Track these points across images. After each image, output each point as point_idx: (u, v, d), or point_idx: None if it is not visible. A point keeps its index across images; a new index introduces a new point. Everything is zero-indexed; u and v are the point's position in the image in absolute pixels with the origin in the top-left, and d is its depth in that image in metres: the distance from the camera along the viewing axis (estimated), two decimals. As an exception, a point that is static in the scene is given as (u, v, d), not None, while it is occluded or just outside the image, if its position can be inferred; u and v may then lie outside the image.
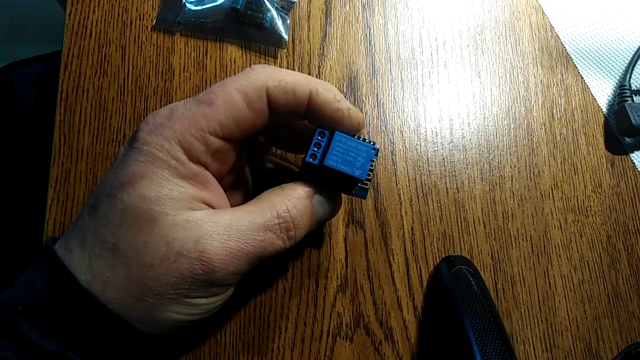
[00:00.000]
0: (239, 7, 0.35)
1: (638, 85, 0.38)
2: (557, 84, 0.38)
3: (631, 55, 0.39)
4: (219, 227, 0.20)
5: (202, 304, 0.21)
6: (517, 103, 0.37)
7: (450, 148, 0.35)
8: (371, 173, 0.24)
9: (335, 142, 0.23)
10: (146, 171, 0.20)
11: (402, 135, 0.35)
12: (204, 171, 0.22)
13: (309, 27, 0.37)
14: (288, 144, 0.29)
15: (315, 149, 0.23)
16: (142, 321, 0.20)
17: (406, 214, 0.33)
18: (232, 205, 0.24)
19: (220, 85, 0.22)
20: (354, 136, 0.23)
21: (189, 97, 0.34)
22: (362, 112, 0.35)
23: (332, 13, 0.37)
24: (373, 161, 0.24)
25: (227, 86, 0.21)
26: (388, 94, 0.36)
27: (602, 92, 0.38)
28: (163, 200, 0.20)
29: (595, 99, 0.38)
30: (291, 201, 0.23)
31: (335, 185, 0.24)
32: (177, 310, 0.20)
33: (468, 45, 0.38)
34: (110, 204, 0.20)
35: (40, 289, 0.19)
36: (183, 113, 0.21)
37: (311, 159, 0.23)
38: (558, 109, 0.37)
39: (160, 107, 0.33)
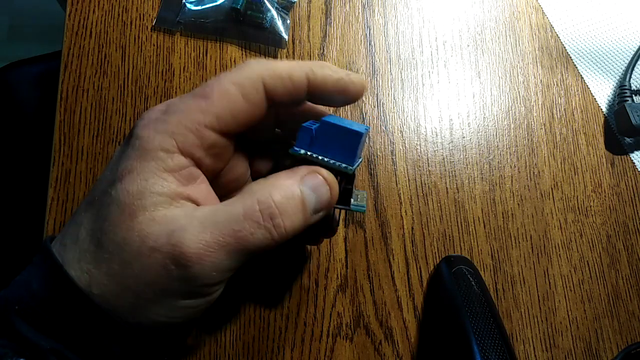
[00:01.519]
0: (239, 7, 0.35)
1: (638, 85, 0.38)
2: (557, 84, 0.38)
3: (631, 55, 0.39)
4: (194, 221, 0.20)
5: (183, 305, 0.20)
6: (517, 103, 0.37)
7: (450, 148, 0.35)
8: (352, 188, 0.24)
9: (328, 117, 0.23)
10: (134, 166, 0.20)
11: (402, 135, 0.35)
12: (192, 166, 0.21)
13: (309, 27, 0.37)
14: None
15: (308, 124, 0.23)
16: (127, 321, 0.20)
17: (406, 214, 0.33)
18: None
19: (215, 80, 0.22)
20: None
21: (189, 97, 0.34)
22: (361, 111, 0.35)
23: (332, 13, 0.37)
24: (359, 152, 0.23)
25: (223, 80, 0.22)
26: (388, 94, 0.36)
27: (602, 92, 0.38)
28: (144, 194, 0.20)
29: (595, 99, 0.38)
30: (275, 187, 0.21)
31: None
32: (157, 312, 0.20)
33: (468, 45, 0.38)
34: (102, 200, 0.20)
35: (36, 287, 0.19)
36: (179, 107, 0.21)
37: (307, 126, 0.23)
38: (558, 109, 0.37)
39: (160, 107, 0.33)
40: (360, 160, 0.24)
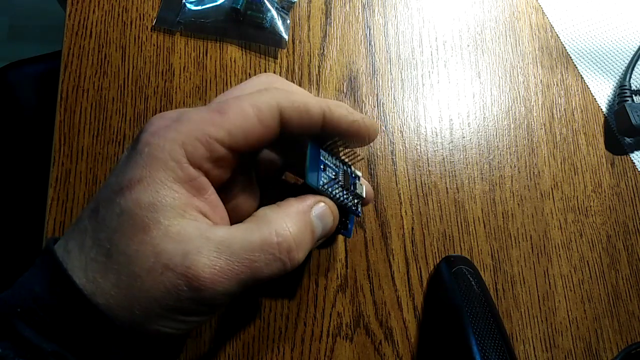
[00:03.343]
0: (239, 7, 0.35)
1: (638, 85, 0.38)
2: (557, 84, 0.38)
3: (631, 55, 0.39)
4: (209, 244, 0.20)
5: (190, 320, 0.21)
6: (517, 103, 0.37)
7: (450, 148, 0.35)
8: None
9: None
10: (144, 175, 0.20)
11: (402, 135, 0.35)
12: (201, 176, 0.21)
13: (309, 27, 0.37)
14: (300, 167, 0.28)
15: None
16: (131, 330, 0.20)
17: (406, 214, 0.33)
18: (235, 218, 0.24)
19: (234, 98, 0.22)
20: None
21: (189, 97, 0.34)
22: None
23: (332, 13, 0.37)
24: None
25: (242, 100, 0.22)
26: (388, 94, 0.36)
27: (602, 92, 0.38)
28: (157, 207, 0.19)
29: (595, 99, 0.38)
30: (290, 217, 0.22)
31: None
32: (164, 324, 0.20)
33: (468, 45, 0.38)
34: (109, 208, 0.20)
35: (38, 290, 0.19)
36: (192, 117, 0.21)
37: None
38: (558, 109, 0.37)
39: (161, 107, 0.33)
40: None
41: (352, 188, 0.26)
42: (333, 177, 0.25)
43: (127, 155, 0.21)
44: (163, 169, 0.20)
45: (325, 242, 0.32)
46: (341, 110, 0.23)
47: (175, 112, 0.22)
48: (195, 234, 0.20)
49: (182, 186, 0.20)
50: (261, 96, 0.22)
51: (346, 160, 0.27)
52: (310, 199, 0.23)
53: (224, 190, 0.24)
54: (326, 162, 0.25)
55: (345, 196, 0.25)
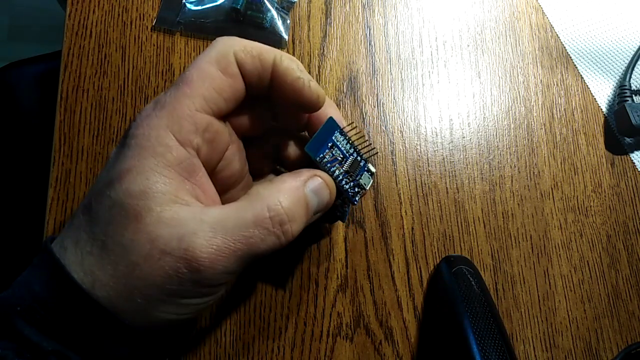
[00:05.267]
0: (239, 7, 0.35)
1: (638, 85, 0.38)
2: (557, 84, 0.38)
3: (631, 55, 0.39)
4: (204, 225, 0.20)
5: (193, 303, 0.21)
6: (517, 103, 0.37)
7: (450, 148, 0.35)
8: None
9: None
10: (133, 165, 0.20)
11: (402, 135, 0.35)
12: (192, 157, 0.21)
13: (309, 27, 0.37)
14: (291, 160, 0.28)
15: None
16: (134, 321, 0.20)
17: (406, 214, 0.33)
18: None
19: (192, 64, 0.22)
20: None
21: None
22: (362, 111, 0.35)
23: (332, 13, 0.37)
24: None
25: (199, 62, 0.22)
26: (388, 94, 0.36)
27: (602, 92, 0.38)
28: (148, 194, 0.20)
29: (595, 99, 0.38)
30: (282, 192, 0.22)
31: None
32: (167, 310, 0.20)
33: (468, 45, 0.38)
34: (100, 202, 0.20)
35: (37, 288, 0.19)
36: (166, 100, 0.21)
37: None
38: (558, 109, 0.37)
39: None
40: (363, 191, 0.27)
41: (357, 177, 0.26)
42: (340, 158, 0.25)
43: (116, 151, 0.21)
44: (152, 156, 0.20)
45: (321, 227, 0.32)
46: (291, 63, 0.23)
47: (151, 102, 0.22)
48: (189, 217, 0.20)
49: (173, 170, 0.21)
50: (213, 49, 0.22)
51: (363, 152, 0.27)
52: (305, 174, 0.23)
53: (218, 183, 0.24)
54: (337, 142, 0.25)
55: (343, 178, 0.25)
